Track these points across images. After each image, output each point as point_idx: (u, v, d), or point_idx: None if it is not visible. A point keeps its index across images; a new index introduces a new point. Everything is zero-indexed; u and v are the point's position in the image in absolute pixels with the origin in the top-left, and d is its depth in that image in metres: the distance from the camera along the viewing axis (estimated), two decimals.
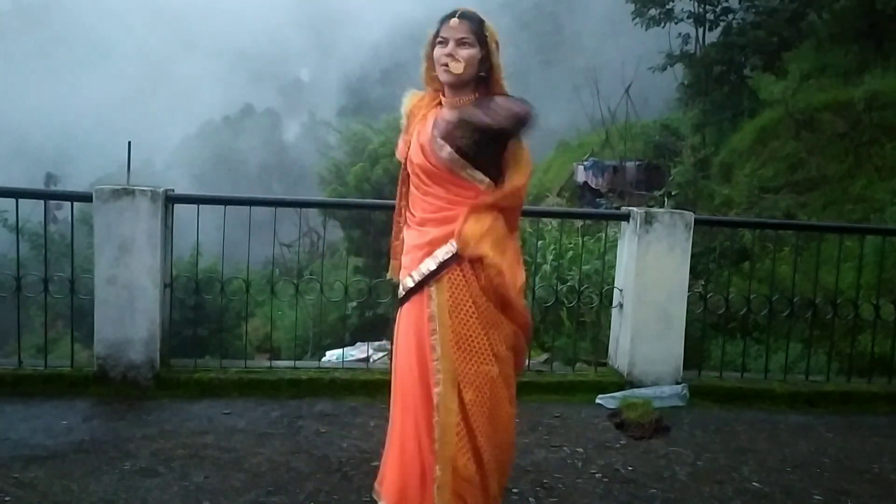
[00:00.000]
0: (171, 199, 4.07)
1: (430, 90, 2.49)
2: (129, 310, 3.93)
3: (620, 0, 16.70)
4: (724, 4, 15.30)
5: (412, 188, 2.48)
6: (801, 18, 14.83)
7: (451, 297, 2.34)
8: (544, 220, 10.56)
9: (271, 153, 45.58)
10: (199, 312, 8.02)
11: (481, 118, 2.26)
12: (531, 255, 9.20)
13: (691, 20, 15.54)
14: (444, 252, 2.35)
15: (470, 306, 2.34)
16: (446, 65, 2.34)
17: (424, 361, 2.35)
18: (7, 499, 2.76)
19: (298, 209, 4.80)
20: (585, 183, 17.97)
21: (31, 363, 4.12)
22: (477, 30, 2.35)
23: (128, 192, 3.91)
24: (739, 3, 15.31)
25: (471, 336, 2.34)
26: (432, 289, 2.36)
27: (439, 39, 2.36)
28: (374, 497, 2.57)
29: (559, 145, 23.43)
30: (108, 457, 3.14)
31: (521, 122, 2.29)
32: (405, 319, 2.43)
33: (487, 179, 2.39)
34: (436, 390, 2.32)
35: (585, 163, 18.21)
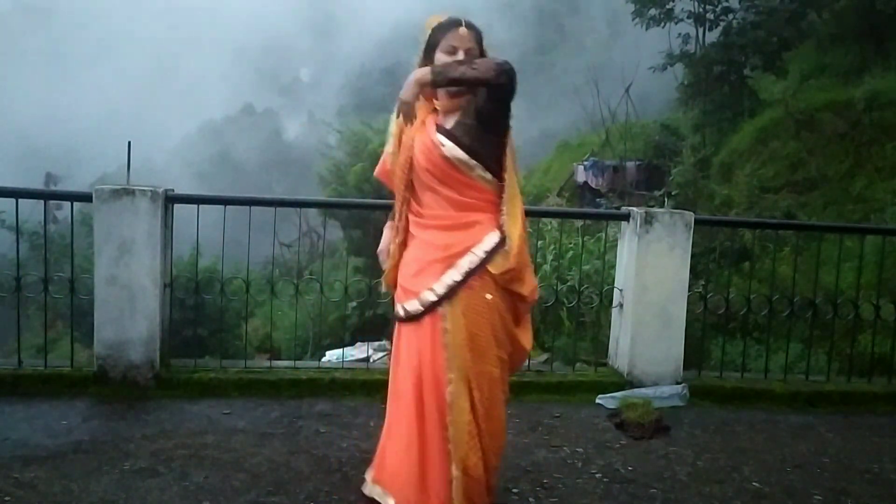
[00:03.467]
0: (171, 199, 4.06)
1: (421, 97, 2.48)
2: (129, 310, 3.93)
3: (621, 0, 16.71)
4: (724, 4, 15.30)
5: (420, 194, 2.50)
6: (801, 18, 14.84)
7: (466, 298, 2.37)
8: (544, 220, 10.56)
9: (271, 153, 45.57)
10: (199, 312, 8.00)
11: (466, 72, 2.32)
12: (531, 254, 9.19)
13: (691, 20, 15.55)
14: (468, 262, 2.38)
15: (483, 310, 2.38)
16: None
17: (438, 361, 2.37)
18: (7, 499, 2.76)
19: (298, 209, 4.81)
20: (585, 183, 17.98)
21: (31, 363, 4.11)
22: (479, 38, 2.46)
23: (128, 192, 3.91)
24: (739, 3, 15.31)
25: (481, 337, 2.38)
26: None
27: (448, 48, 2.41)
28: (369, 485, 2.65)
29: (559, 145, 23.46)
30: (108, 457, 3.14)
31: (503, 73, 2.32)
32: (415, 327, 2.42)
33: (490, 176, 2.43)
34: (448, 389, 2.35)
35: (585, 163, 18.22)
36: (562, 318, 8.11)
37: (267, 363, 4.37)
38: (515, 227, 2.44)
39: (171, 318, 4.31)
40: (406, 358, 2.44)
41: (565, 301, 5.05)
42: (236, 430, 3.50)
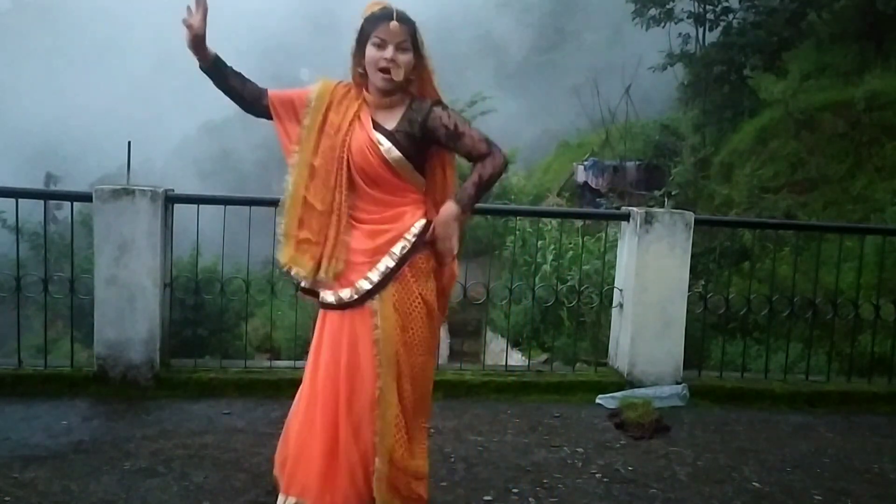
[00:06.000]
0: (170, 199, 4.07)
1: (353, 85, 2.46)
2: (129, 310, 3.93)
3: (621, 0, 16.70)
4: (724, 4, 15.29)
5: (350, 191, 2.41)
6: (801, 18, 14.82)
7: (397, 293, 2.35)
8: (544, 220, 10.58)
9: (271, 153, 45.50)
10: (199, 312, 8.01)
11: (487, 180, 2.38)
12: (531, 255, 9.20)
13: (691, 20, 15.53)
14: (399, 248, 2.36)
15: (416, 301, 2.38)
16: (386, 70, 2.32)
17: (367, 357, 2.34)
18: (7, 499, 2.76)
19: None
20: (585, 183, 17.96)
21: (31, 363, 4.12)
22: (413, 33, 2.35)
23: (128, 192, 3.91)
24: (739, 3, 15.29)
25: (414, 329, 2.38)
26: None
27: (376, 41, 2.32)
28: (276, 483, 2.54)
29: (559, 145, 23.43)
30: (107, 457, 3.14)
31: (504, 160, 2.41)
32: (340, 319, 2.37)
33: (423, 179, 2.45)
34: (378, 384, 2.33)
35: (585, 163, 18.20)
36: (562, 318, 8.12)
37: (267, 363, 4.37)
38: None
39: (171, 318, 4.31)
40: (330, 352, 2.38)
41: (565, 301, 5.06)
42: (236, 430, 3.50)
